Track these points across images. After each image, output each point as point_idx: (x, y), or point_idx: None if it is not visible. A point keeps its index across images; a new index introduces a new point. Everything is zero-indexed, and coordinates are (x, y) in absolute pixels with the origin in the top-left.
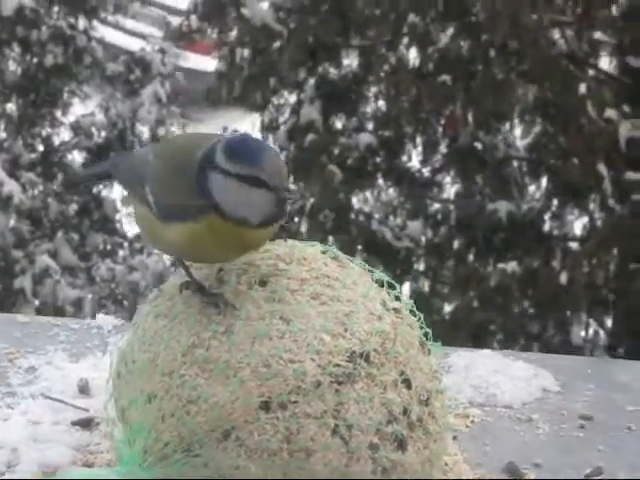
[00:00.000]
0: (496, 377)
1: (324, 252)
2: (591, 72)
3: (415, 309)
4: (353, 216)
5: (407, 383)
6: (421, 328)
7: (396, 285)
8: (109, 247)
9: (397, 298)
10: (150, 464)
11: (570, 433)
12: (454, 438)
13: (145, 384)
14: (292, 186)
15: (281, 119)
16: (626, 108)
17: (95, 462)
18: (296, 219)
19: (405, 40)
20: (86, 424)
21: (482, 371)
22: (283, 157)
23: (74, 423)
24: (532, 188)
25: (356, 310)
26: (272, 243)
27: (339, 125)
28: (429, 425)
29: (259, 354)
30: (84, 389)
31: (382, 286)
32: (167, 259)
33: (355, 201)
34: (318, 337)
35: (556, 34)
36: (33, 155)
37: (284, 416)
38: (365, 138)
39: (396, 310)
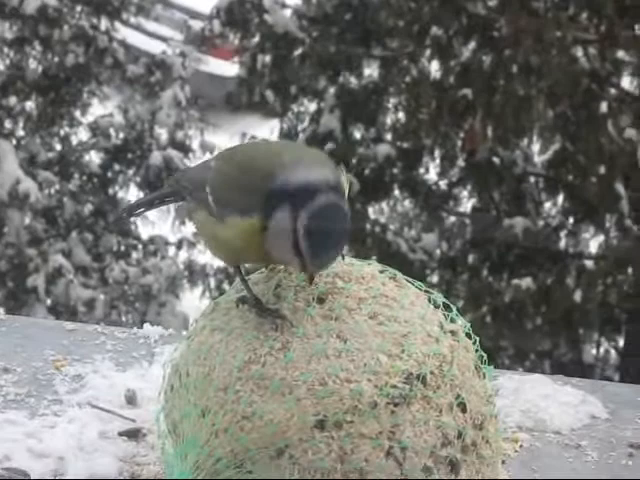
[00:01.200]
0: (545, 402)
1: (382, 271)
2: (612, 91)
3: (471, 332)
4: (369, 226)
5: (462, 407)
6: (476, 351)
7: (452, 307)
8: (123, 248)
9: (453, 320)
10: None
11: (619, 461)
12: (503, 462)
13: (199, 398)
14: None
15: (300, 127)
16: None
17: (142, 474)
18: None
19: (427, 52)
20: (133, 435)
21: (531, 395)
22: None
23: (121, 433)
24: (548, 205)
25: (413, 331)
26: None
27: (358, 135)
28: (482, 450)
29: (315, 372)
30: (131, 399)
31: (438, 307)
32: (180, 263)
33: (371, 211)
34: (375, 357)
35: (579, 52)
36: (50, 154)
37: (339, 435)
38: (383, 149)
39: (453, 332)
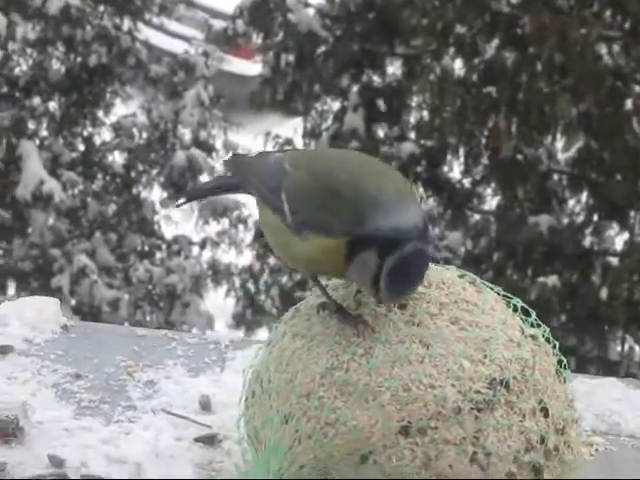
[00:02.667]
0: (618, 405)
1: (461, 276)
2: (637, 88)
3: (551, 336)
4: None
5: (545, 411)
6: (555, 355)
7: (531, 311)
8: (147, 248)
9: (532, 325)
10: None
11: None
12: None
13: (281, 405)
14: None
15: (324, 125)
16: None
17: None
18: None
19: (451, 50)
20: (209, 441)
21: (604, 399)
22: None
23: (197, 440)
24: (573, 202)
25: (495, 336)
26: None
27: (381, 133)
28: (564, 455)
29: (399, 378)
30: (206, 405)
31: (516, 312)
32: (204, 262)
33: None
34: (458, 362)
35: (603, 49)
36: (74, 154)
37: (423, 442)
38: (407, 147)
39: (533, 337)
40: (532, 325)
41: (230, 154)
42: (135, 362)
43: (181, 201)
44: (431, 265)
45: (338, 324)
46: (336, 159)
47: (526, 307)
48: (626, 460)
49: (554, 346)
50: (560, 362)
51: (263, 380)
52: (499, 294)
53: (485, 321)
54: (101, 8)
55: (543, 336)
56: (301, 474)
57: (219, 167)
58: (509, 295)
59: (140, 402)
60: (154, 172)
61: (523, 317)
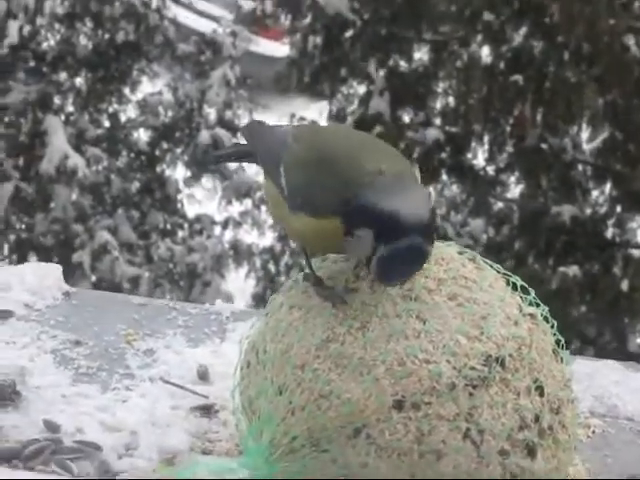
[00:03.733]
0: (617, 388)
1: (460, 253)
2: None
3: (549, 315)
4: None
5: (540, 390)
6: (554, 335)
7: (530, 290)
8: (169, 227)
9: (531, 303)
10: (277, 457)
11: None
12: (575, 448)
13: (276, 375)
14: None
15: (349, 109)
16: None
17: (214, 450)
18: None
19: (478, 37)
20: (205, 411)
21: (603, 381)
22: None
23: (193, 409)
24: (596, 193)
25: (493, 313)
26: None
27: (407, 119)
28: (559, 434)
29: (394, 352)
30: (204, 375)
31: (516, 290)
32: (226, 242)
33: None
34: (454, 339)
35: (631, 40)
36: (99, 131)
37: (416, 416)
38: (432, 133)
39: (532, 316)
40: (531, 304)
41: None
42: (135, 331)
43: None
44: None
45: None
46: (337, 134)
47: (525, 285)
48: (623, 442)
49: (552, 325)
50: (558, 342)
51: (259, 350)
52: (499, 272)
53: (483, 298)
54: None
55: (542, 315)
56: (293, 445)
57: None
58: (508, 273)
59: (138, 371)
60: (178, 151)
61: (522, 295)
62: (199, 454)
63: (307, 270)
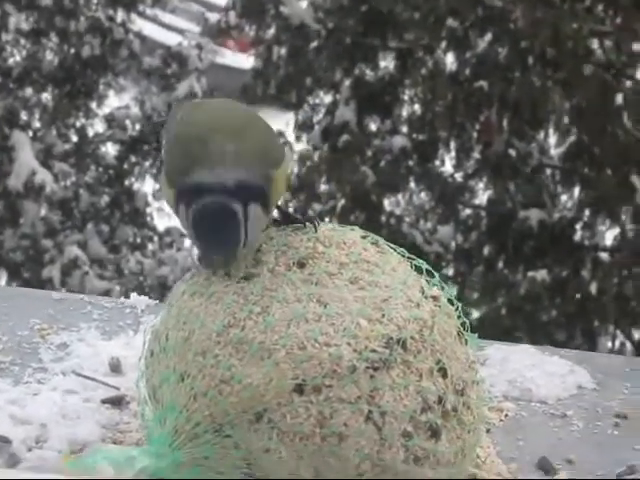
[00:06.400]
0: (532, 372)
1: (364, 237)
2: (628, 83)
3: (453, 298)
4: (384, 218)
5: (443, 372)
6: (458, 317)
7: (435, 273)
8: (139, 240)
9: (436, 286)
10: (180, 444)
11: (605, 431)
12: (487, 431)
13: (178, 363)
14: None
15: (316, 119)
16: None
17: (124, 441)
18: (327, 219)
19: (443, 44)
20: (116, 402)
21: (518, 365)
22: (316, 157)
23: (104, 401)
24: (564, 197)
25: (394, 296)
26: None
27: (373, 127)
28: (463, 415)
29: (295, 336)
30: (115, 367)
31: (421, 273)
32: (195, 255)
33: (387, 203)
34: (355, 322)
35: (594, 44)
36: (67, 145)
37: (318, 400)
38: (399, 141)
39: (434, 298)
40: (437, 287)
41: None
42: (49, 325)
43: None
44: (333, 226)
45: (237, 283)
46: (210, 110)
47: (430, 269)
48: (535, 425)
49: (457, 308)
50: (464, 324)
51: (161, 339)
52: (404, 256)
53: (385, 281)
54: (94, 0)
55: (447, 298)
56: (196, 432)
57: None
58: (413, 257)
59: (51, 364)
60: (147, 164)
61: (428, 279)
62: (109, 444)
63: None
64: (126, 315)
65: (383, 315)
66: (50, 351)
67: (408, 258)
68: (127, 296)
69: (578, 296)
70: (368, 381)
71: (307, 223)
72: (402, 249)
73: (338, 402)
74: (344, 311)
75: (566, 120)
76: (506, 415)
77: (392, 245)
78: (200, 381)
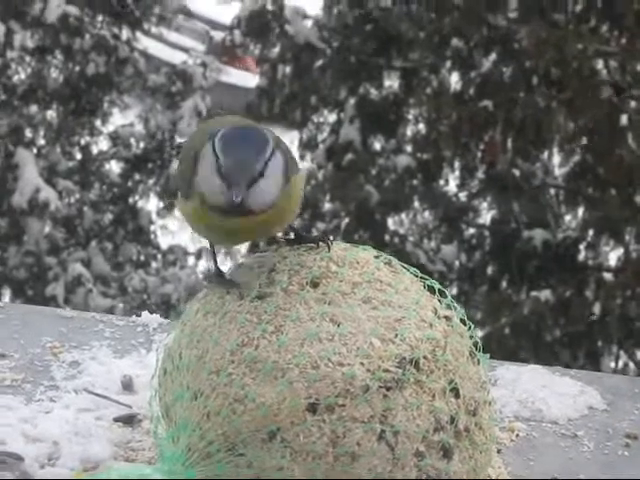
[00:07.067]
0: (543, 392)
1: (377, 257)
2: (633, 104)
3: (466, 318)
4: (388, 237)
5: (455, 392)
6: (471, 338)
7: (447, 293)
8: (142, 258)
9: (449, 306)
10: (193, 462)
11: (615, 451)
12: (499, 452)
13: (191, 381)
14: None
15: (320, 137)
16: None
17: (136, 459)
18: (331, 237)
19: (447, 64)
20: (128, 421)
21: (529, 385)
22: (321, 175)
23: (116, 419)
24: (568, 217)
25: (407, 316)
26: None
27: (378, 146)
28: (475, 436)
29: (308, 355)
30: (128, 386)
31: (434, 293)
32: (200, 273)
33: (391, 223)
34: (368, 341)
35: (599, 64)
36: (71, 163)
37: (331, 419)
38: (403, 160)
39: (447, 318)
40: (449, 307)
41: None
42: (61, 343)
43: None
44: (346, 246)
45: (219, 289)
46: (232, 118)
47: (442, 289)
48: (546, 446)
49: (469, 328)
50: (476, 344)
51: (174, 357)
52: (417, 276)
53: (398, 301)
54: (100, 17)
55: (460, 318)
56: (209, 450)
57: None
58: (426, 277)
59: (63, 382)
60: (150, 182)
61: (440, 299)
62: (120, 463)
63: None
64: (138, 333)
65: (396, 335)
66: (62, 369)
67: (420, 278)
68: (131, 314)
69: (582, 316)
70: (381, 401)
71: (320, 242)
72: (414, 269)
73: (351, 421)
74: (357, 330)
75: (570, 140)
76: (517, 435)
77: (405, 265)
78: (213, 400)
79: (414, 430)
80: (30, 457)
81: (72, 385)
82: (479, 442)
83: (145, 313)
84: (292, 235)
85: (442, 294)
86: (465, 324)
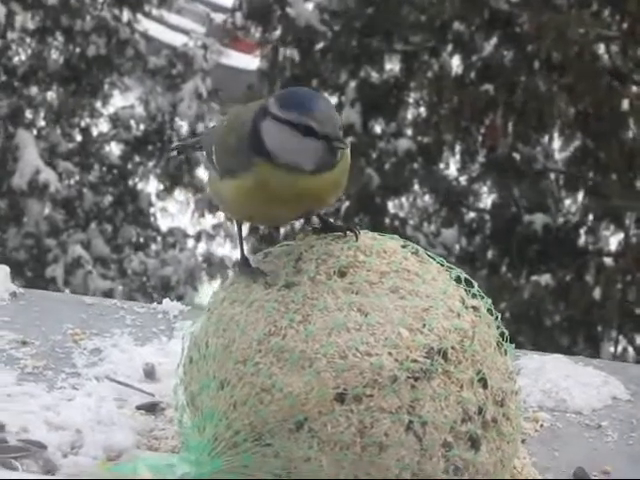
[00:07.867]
0: (566, 382)
1: (404, 246)
2: (634, 88)
3: (493, 308)
4: (388, 221)
5: (483, 382)
6: (497, 328)
7: (474, 283)
8: (142, 240)
9: (475, 296)
10: (219, 452)
11: (639, 442)
12: (523, 442)
13: (218, 370)
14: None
15: None
16: None
17: (159, 447)
18: (331, 220)
19: (449, 47)
20: (151, 409)
21: (552, 375)
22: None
23: (139, 407)
24: (568, 202)
25: (435, 306)
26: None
27: (378, 129)
28: (503, 426)
29: (336, 345)
30: (150, 374)
31: (460, 283)
32: (199, 255)
33: (391, 206)
34: (396, 331)
35: (601, 49)
36: (71, 145)
37: (358, 409)
38: (404, 144)
39: (475, 308)
40: (475, 297)
41: None
42: (82, 330)
43: (172, 154)
44: (373, 235)
45: (247, 279)
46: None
47: (469, 278)
48: (571, 436)
49: (496, 318)
50: (502, 334)
51: (201, 346)
52: (442, 265)
53: (426, 291)
54: None
55: (486, 308)
56: (236, 440)
57: None
58: (452, 266)
59: (84, 369)
60: (150, 164)
61: (467, 288)
62: (144, 452)
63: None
64: (159, 321)
65: (424, 325)
66: (83, 356)
67: (447, 267)
68: (131, 297)
69: (582, 301)
70: (409, 391)
71: (347, 231)
72: (440, 258)
73: (379, 412)
74: (385, 320)
75: (571, 125)
76: (541, 425)
77: (431, 254)
78: (240, 389)
79: (442, 421)
80: (53, 445)
81: (94, 372)
82: (506, 433)
83: (166, 300)
84: (319, 224)
85: (469, 284)
86: (492, 314)
